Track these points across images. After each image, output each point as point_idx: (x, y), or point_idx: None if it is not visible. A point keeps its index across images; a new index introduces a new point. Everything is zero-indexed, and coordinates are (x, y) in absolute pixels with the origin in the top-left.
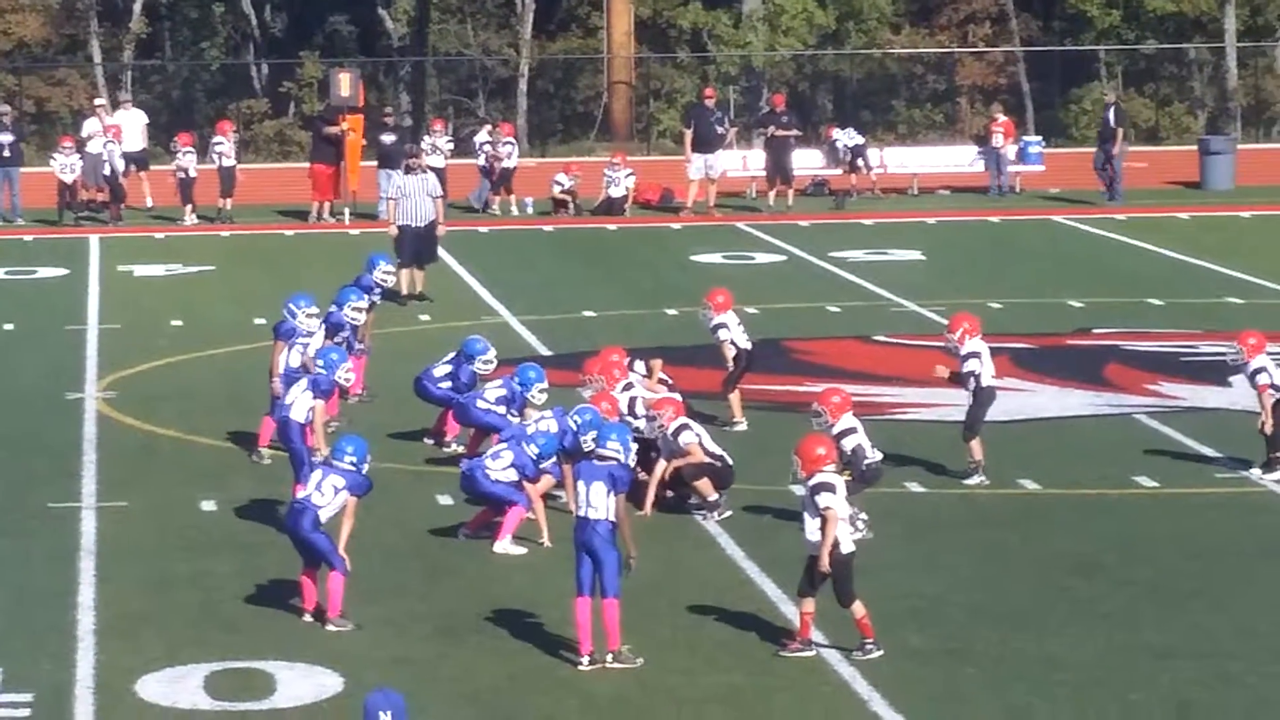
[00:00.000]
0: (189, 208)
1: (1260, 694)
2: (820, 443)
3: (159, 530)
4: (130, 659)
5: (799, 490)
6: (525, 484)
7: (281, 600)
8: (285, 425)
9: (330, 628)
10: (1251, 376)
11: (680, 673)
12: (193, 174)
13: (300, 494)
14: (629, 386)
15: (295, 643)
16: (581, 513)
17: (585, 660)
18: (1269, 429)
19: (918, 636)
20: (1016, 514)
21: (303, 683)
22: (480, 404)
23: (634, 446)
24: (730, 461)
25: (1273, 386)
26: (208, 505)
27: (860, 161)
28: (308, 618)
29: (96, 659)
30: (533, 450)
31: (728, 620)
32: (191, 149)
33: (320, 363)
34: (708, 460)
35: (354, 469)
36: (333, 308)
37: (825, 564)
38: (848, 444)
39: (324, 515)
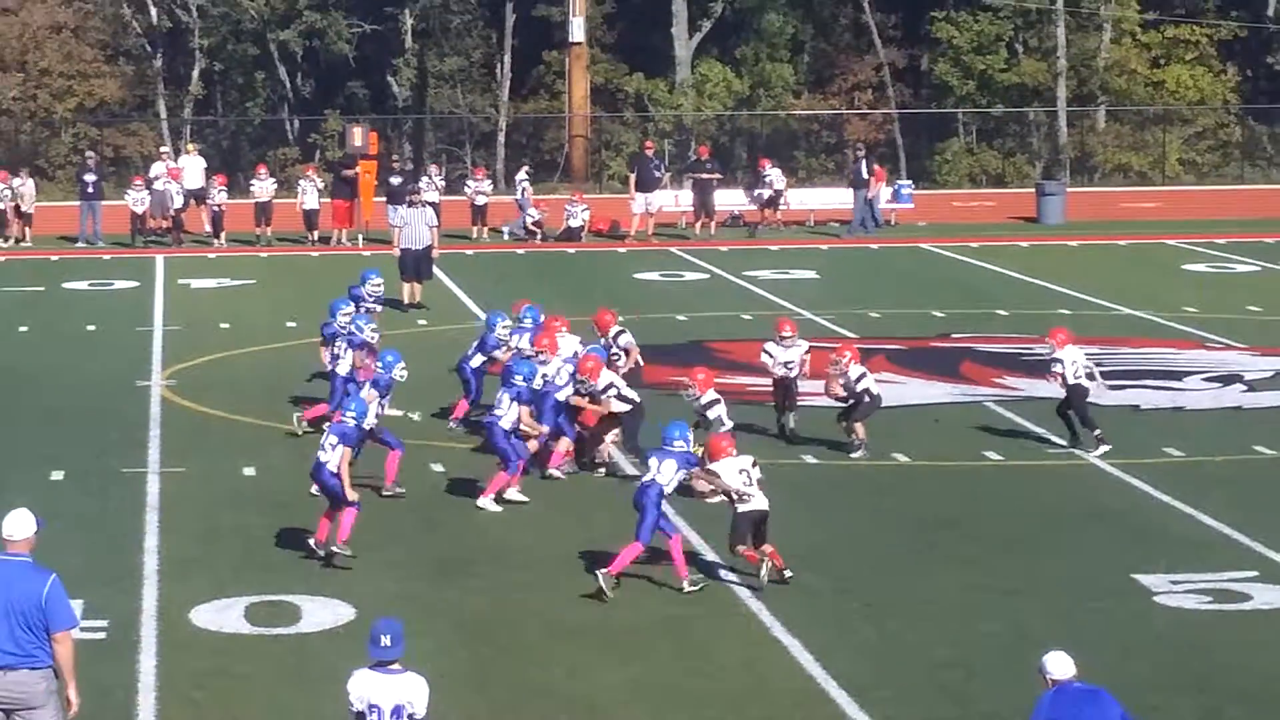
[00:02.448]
0: (222, 234)
1: (1083, 625)
2: (724, 439)
3: (210, 490)
4: (186, 593)
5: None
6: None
7: (306, 546)
8: (490, 428)
9: (334, 549)
10: (1050, 364)
11: (623, 604)
12: (224, 207)
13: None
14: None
15: (318, 580)
16: (646, 477)
17: (685, 584)
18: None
19: (812, 577)
20: (891, 481)
21: (323, 612)
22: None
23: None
24: (639, 400)
25: (1062, 378)
26: (249, 471)
27: (781, 200)
28: (311, 542)
29: (159, 593)
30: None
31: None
32: (225, 188)
33: (379, 365)
34: (624, 407)
35: (352, 424)
36: (330, 317)
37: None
38: (713, 413)
39: (331, 466)
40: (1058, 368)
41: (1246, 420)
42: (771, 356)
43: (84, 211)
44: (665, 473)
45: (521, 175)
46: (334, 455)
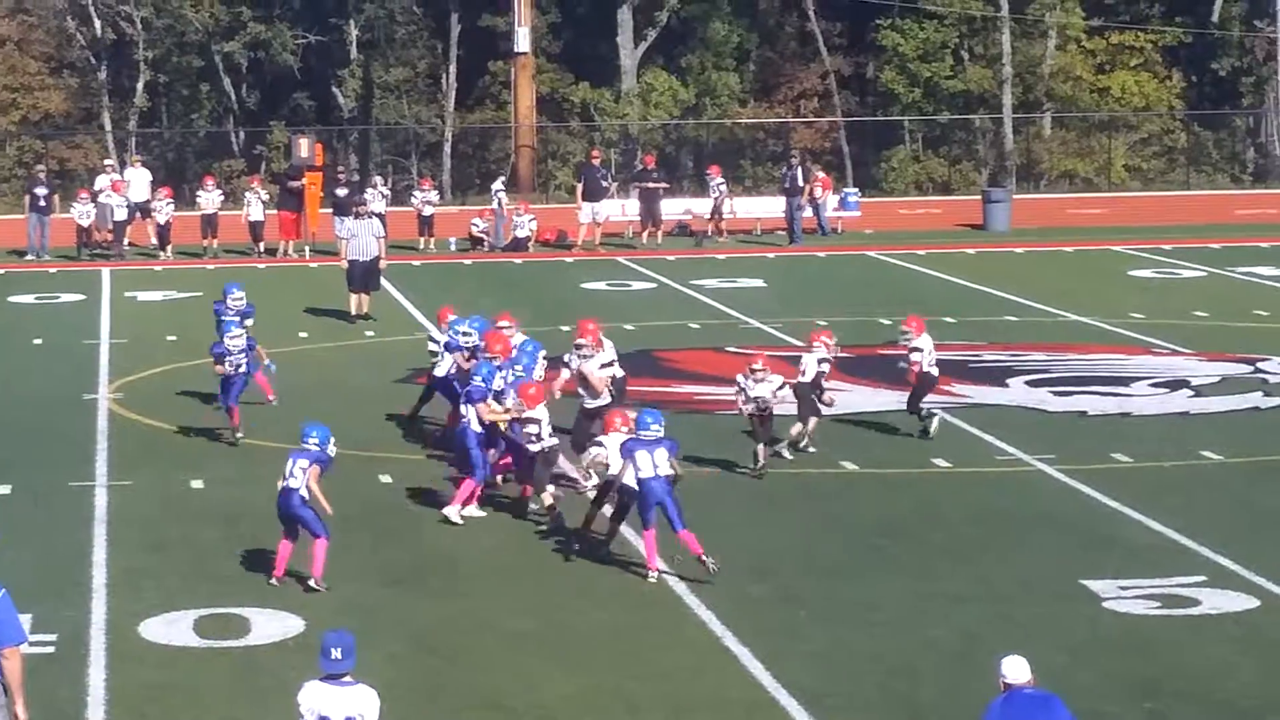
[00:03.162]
0: (168, 247)
1: (1030, 630)
2: (618, 414)
3: (157, 503)
4: (134, 606)
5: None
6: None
7: (255, 558)
8: (463, 433)
9: (312, 585)
10: (910, 352)
11: (574, 613)
12: (170, 220)
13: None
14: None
15: (267, 592)
16: (650, 474)
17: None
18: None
19: (759, 585)
20: (838, 488)
21: (272, 624)
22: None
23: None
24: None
25: (920, 366)
26: (196, 483)
27: (726, 206)
28: (274, 581)
29: (107, 606)
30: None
31: (618, 566)
32: (170, 200)
33: (479, 378)
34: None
35: (316, 449)
36: (219, 339)
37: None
38: (530, 430)
39: (302, 492)
40: (916, 356)
41: (1194, 425)
42: (743, 392)
43: (33, 224)
44: (661, 463)
45: (498, 185)
46: (304, 478)
